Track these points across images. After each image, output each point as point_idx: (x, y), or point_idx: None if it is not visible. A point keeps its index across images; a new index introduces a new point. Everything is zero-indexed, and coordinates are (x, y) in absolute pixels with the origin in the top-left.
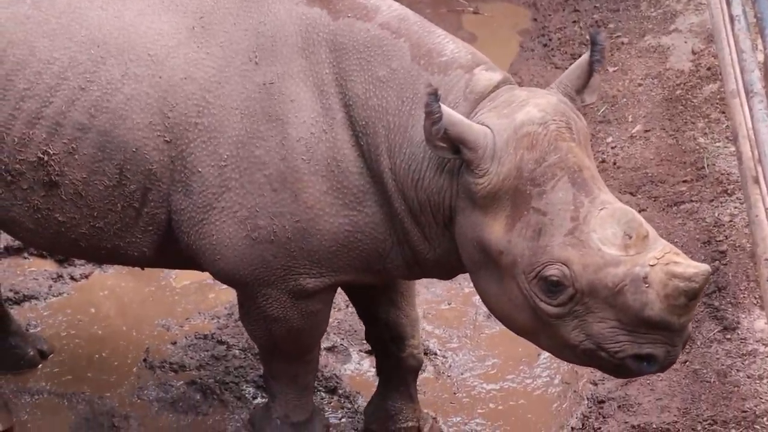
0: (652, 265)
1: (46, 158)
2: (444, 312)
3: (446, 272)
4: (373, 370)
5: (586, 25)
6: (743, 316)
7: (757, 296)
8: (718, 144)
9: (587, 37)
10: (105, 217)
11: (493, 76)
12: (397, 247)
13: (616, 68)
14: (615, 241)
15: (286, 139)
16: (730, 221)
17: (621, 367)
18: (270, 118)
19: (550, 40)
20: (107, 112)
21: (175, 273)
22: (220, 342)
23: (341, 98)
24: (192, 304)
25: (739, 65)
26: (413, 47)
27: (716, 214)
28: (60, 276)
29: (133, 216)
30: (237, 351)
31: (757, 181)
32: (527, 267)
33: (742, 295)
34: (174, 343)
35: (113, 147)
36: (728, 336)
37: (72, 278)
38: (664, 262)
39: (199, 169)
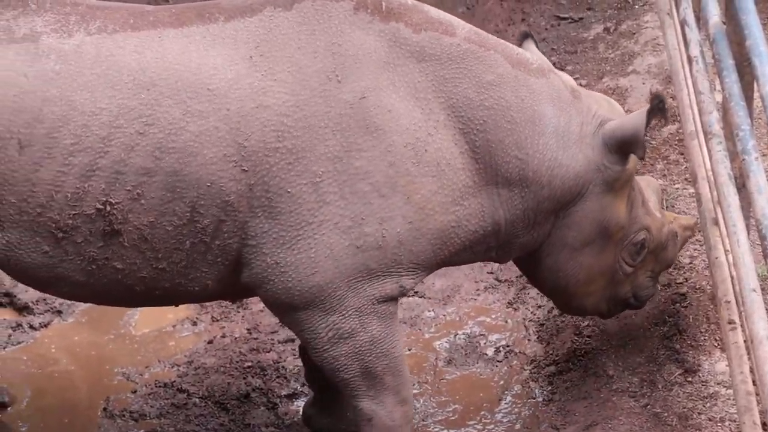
0: (671, 222)
1: (107, 208)
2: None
3: (513, 255)
4: None
5: None
6: (704, 358)
7: (718, 338)
8: (677, 186)
9: None
10: (170, 257)
11: (564, 74)
12: (482, 238)
13: None
14: (656, 206)
15: (393, 147)
16: (690, 263)
17: (625, 308)
18: (368, 130)
19: None
20: (174, 152)
21: (134, 321)
22: (181, 390)
23: (442, 102)
24: (152, 352)
25: (698, 106)
26: (506, 57)
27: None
28: (19, 325)
29: (202, 251)
30: (197, 399)
31: (716, 222)
32: (625, 237)
33: (702, 338)
34: (134, 392)
35: (184, 185)
36: (689, 379)
37: (31, 327)
38: (671, 218)
39: (288, 190)
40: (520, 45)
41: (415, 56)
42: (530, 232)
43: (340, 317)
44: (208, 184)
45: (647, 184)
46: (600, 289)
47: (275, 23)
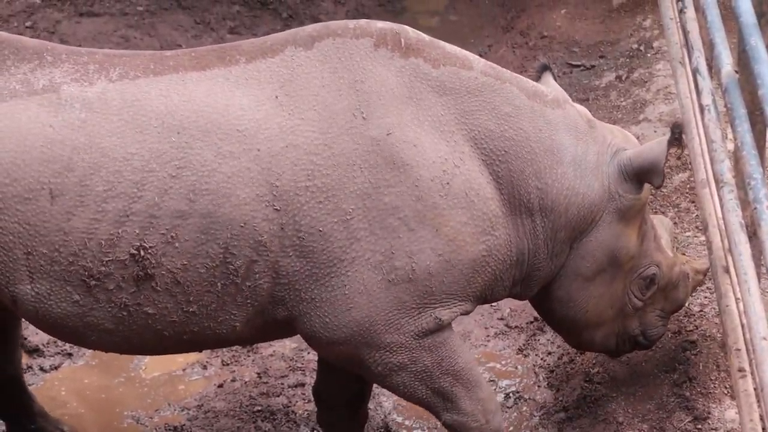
0: (684, 263)
1: (141, 253)
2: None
3: (535, 289)
4: None
5: None
6: (714, 406)
7: (728, 386)
8: (687, 234)
9: None
10: (200, 300)
11: (580, 106)
12: (510, 269)
13: None
14: (668, 245)
15: (419, 181)
16: (701, 311)
17: (634, 348)
18: (395, 165)
19: None
20: (208, 194)
21: (144, 364)
22: None
23: (465, 134)
24: (161, 396)
25: (709, 155)
26: (521, 90)
27: (686, 304)
28: (30, 367)
29: (232, 293)
30: None
31: (727, 270)
32: (635, 269)
33: (712, 385)
34: None
35: (218, 227)
36: (699, 426)
37: (42, 369)
38: (684, 261)
39: (319, 229)
40: (538, 77)
41: (436, 90)
42: (549, 264)
43: (387, 353)
44: (242, 224)
45: (660, 222)
46: (609, 321)
47: (297, 62)
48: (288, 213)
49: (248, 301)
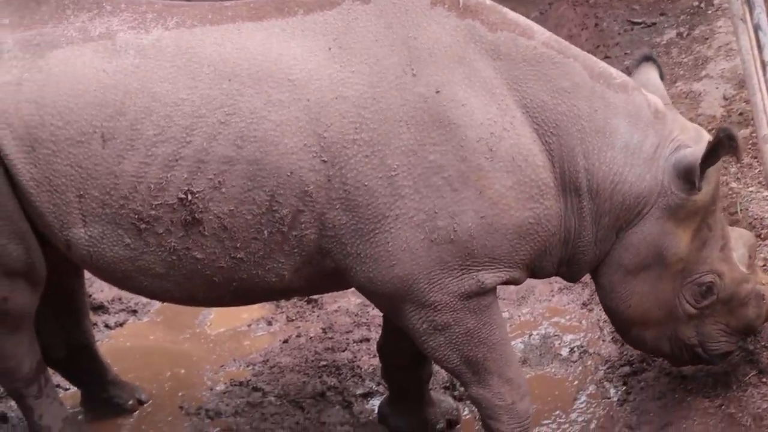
0: (763, 284)
1: (189, 197)
2: None
3: (582, 273)
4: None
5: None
6: None
7: None
8: (750, 189)
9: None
10: (248, 247)
11: (655, 96)
12: (558, 245)
13: None
14: (743, 260)
15: (465, 141)
16: (764, 265)
17: (694, 359)
18: (442, 124)
19: None
20: (255, 141)
21: (209, 320)
22: (256, 389)
23: (517, 100)
24: (227, 351)
25: None
26: (586, 68)
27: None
28: (95, 324)
29: (279, 241)
30: (272, 398)
31: None
32: (689, 273)
33: None
34: (210, 390)
35: (264, 174)
36: (764, 379)
37: (107, 326)
38: (764, 281)
39: (365, 183)
40: (638, 65)
41: (490, 54)
42: (594, 249)
43: (432, 311)
44: (288, 173)
45: (740, 236)
46: (658, 322)
47: (353, 16)
48: (335, 165)
49: (295, 250)
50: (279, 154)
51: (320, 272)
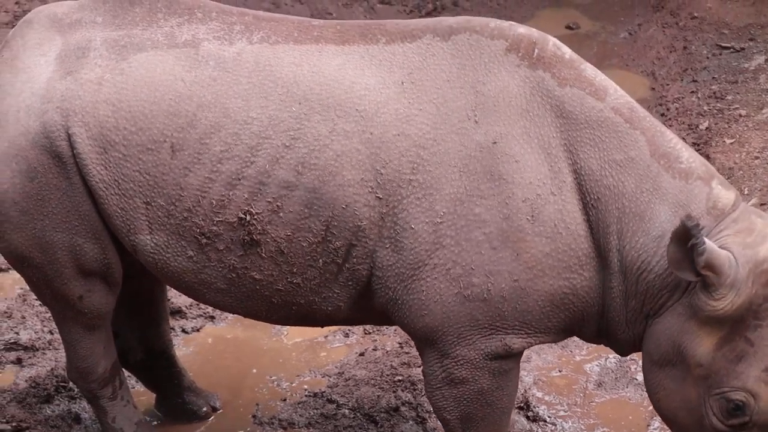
0: None
1: (248, 218)
2: (554, 379)
3: (626, 351)
4: None
5: (704, 96)
6: None
7: None
8: None
9: (705, 107)
10: (304, 273)
11: (729, 193)
12: (596, 316)
13: (733, 140)
14: None
15: (511, 199)
16: None
17: None
18: (492, 177)
19: (667, 109)
20: (315, 169)
21: (287, 329)
22: (330, 401)
23: (570, 163)
24: (303, 362)
25: None
26: (650, 144)
27: None
28: (172, 329)
29: (334, 271)
30: (347, 410)
31: None
32: (717, 384)
33: None
34: (284, 400)
35: (321, 204)
36: None
37: (183, 331)
38: None
39: (412, 226)
40: None
41: (555, 110)
42: (626, 329)
43: (454, 363)
44: (344, 206)
45: None
46: (687, 426)
47: (431, 52)
48: (389, 204)
49: (350, 283)
50: (336, 185)
51: (378, 307)
